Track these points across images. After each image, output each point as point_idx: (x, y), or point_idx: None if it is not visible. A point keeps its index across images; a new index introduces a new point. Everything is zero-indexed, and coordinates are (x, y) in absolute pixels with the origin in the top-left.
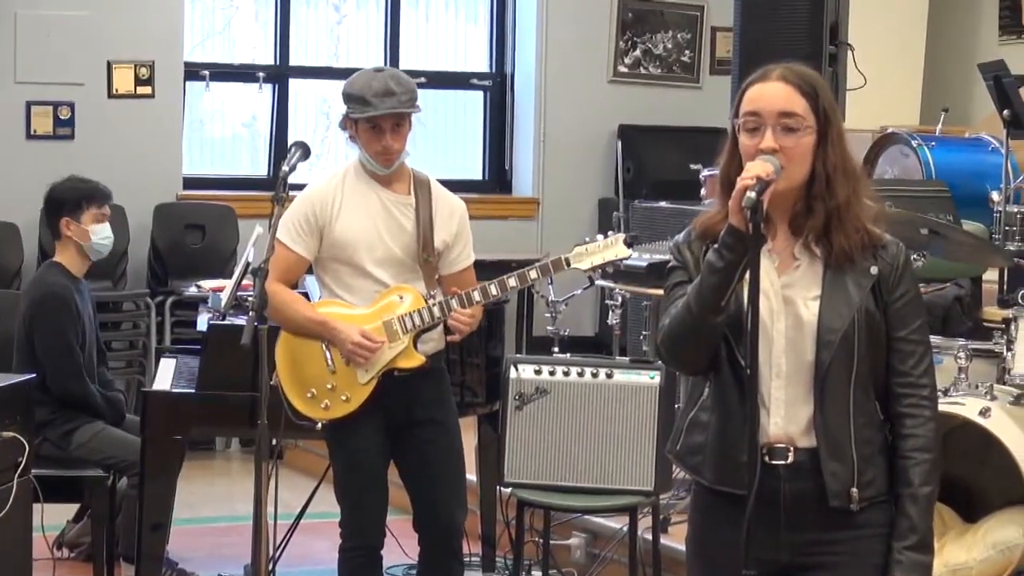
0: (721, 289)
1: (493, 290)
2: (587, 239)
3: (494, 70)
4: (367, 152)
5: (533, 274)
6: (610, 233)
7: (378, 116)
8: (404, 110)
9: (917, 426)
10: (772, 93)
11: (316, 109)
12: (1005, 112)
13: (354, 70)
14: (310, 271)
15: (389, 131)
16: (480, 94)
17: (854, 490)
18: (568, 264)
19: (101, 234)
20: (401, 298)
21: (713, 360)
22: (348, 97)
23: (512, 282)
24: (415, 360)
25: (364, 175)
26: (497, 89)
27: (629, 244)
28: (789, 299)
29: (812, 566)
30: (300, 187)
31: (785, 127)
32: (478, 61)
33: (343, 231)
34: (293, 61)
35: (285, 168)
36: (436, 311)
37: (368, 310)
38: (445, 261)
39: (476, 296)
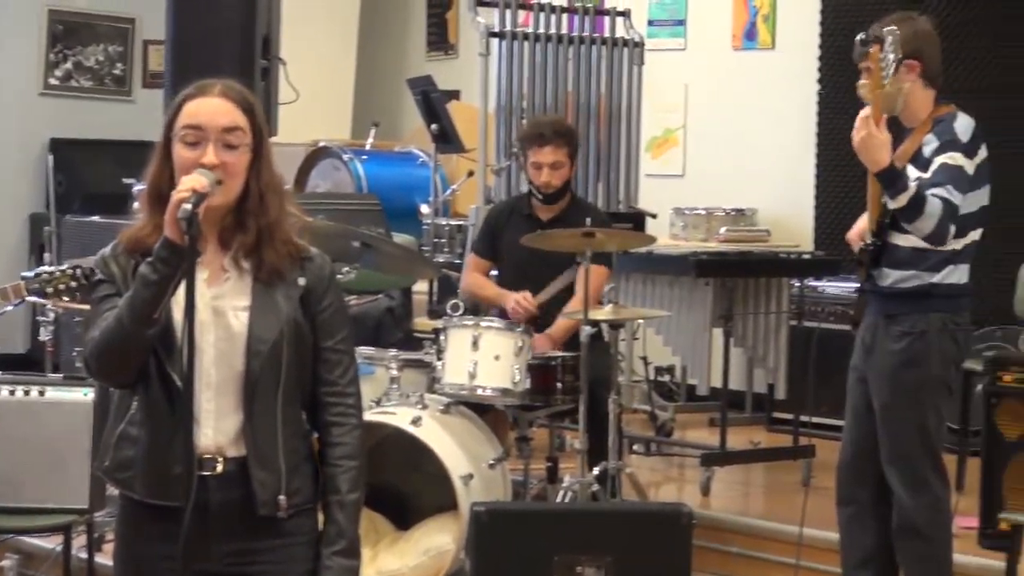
0: (154, 302)
1: None
2: (46, 267)
3: None
4: None
5: None
6: (66, 262)
7: None
8: None
9: (344, 434)
10: (215, 108)
11: None
12: (433, 126)
13: None
14: None
15: None
16: None
17: (282, 498)
18: (26, 292)
19: None
20: None
21: (142, 373)
22: None
23: None
24: None
25: None
26: None
27: (87, 277)
28: (219, 310)
29: (242, 575)
30: None
31: (226, 143)
32: None
33: None
34: None
35: None
36: None
37: None
38: None
39: None
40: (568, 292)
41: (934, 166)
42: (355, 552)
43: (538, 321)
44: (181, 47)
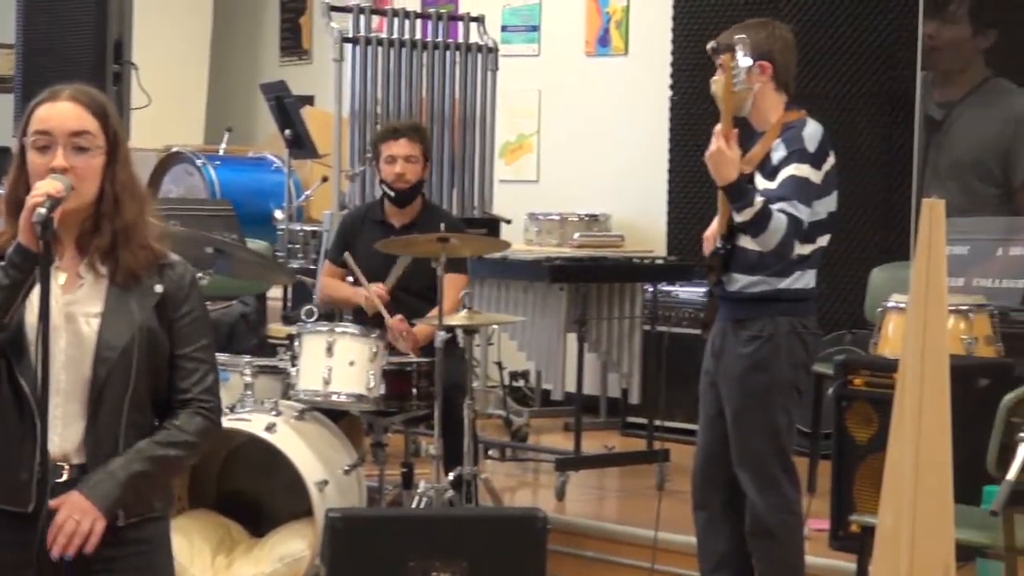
0: (5, 307)
1: None
2: None
3: None
4: None
5: None
6: None
7: None
8: None
9: (186, 416)
10: (63, 113)
11: None
12: (287, 132)
13: None
14: None
15: None
16: None
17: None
18: None
19: None
20: None
21: None
22: None
23: None
24: None
25: None
26: None
27: None
28: (71, 316)
29: None
30: None
31: (76, 146)
32: None
33: None
34: None
35: None
36: None
37: None
38: None
39: None
40: (431, 303)
41: (781, 176)
42: (113, 497)
43: (392, 310)
44: (31, 51)
